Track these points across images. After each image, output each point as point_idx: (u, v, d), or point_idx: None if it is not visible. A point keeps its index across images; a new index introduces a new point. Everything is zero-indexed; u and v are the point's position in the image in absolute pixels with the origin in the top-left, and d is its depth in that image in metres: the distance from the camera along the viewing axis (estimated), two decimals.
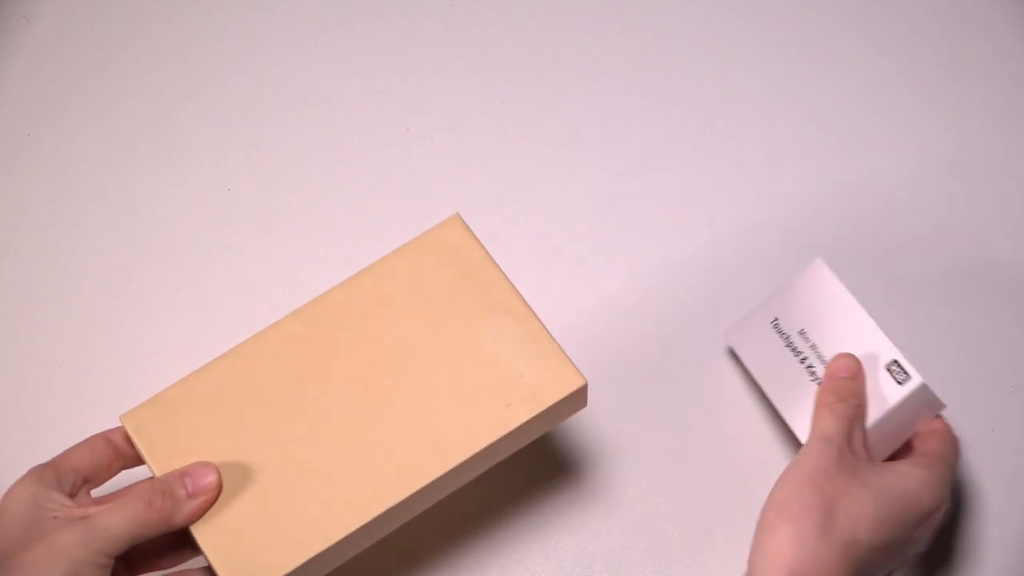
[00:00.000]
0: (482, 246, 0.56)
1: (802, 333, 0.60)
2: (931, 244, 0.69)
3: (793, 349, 0.60)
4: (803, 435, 0.57)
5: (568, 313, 0.66)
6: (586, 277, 0.68)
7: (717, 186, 0.71)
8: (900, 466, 0.53)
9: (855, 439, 0.53)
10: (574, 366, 0.53)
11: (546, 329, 0.54)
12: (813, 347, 0.60)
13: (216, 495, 0.49)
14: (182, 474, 0.49)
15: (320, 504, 0.50)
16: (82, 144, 0.71)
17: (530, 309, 0.55)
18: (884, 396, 0.57)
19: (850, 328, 0.59)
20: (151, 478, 0.50)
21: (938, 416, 0.57)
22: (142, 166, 0.71)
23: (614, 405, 0.65)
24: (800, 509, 0.48)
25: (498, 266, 0.56)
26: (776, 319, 0.62)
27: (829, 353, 0.59)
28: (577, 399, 0.54)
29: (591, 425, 0.64)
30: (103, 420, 0.64)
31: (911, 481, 0.51)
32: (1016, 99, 0.73)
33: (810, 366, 0.59)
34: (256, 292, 0.67)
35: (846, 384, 0.55)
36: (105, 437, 0.53)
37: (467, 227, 0.57)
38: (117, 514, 0.47)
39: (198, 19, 0.75)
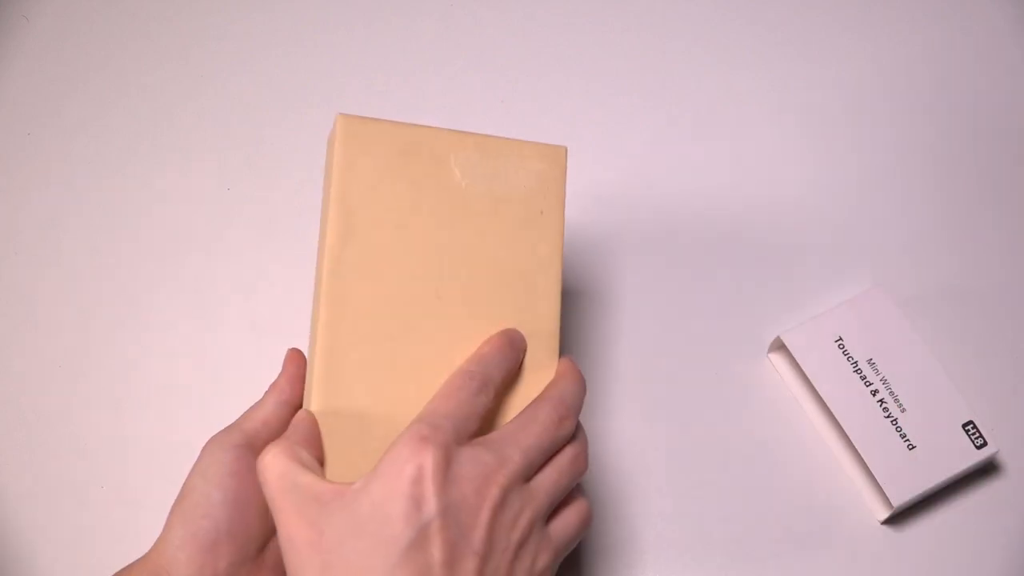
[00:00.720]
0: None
1: (871, 363, 0.62)
2: (931, 244, 0.69)
3: (863, 378, 0.62)
4: (869, 459, 0.60)
5: (568, 311, 0.66)
6: (584, 275, 0.68)
7: (717, 186, 0.71)
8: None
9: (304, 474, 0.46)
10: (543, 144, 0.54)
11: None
12: (884, 382, 0.62)
13: (297, 358, 0.55)
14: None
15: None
16: (82, 144, 0.71)
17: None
18: (957, 455, 0.60)
19: (923, 377, 0.62)
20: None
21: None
22: (142, 166, 0.71)
23: (614, 405, 0.65)
24: None
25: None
26: (840, 338, 0.63)
27: (902, 394, 0.61)
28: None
29: (590, 424, 0.64)
30: (103, 420, 0.64)
31: (368, 482, 0.43)
32: (1016, 99, 0.73)
33: (882, 400, 0.61)
34: (256, 292, 0.67)
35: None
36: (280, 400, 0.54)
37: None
38: (244, 414, 0.54)
39: (198, 19, 0.75)
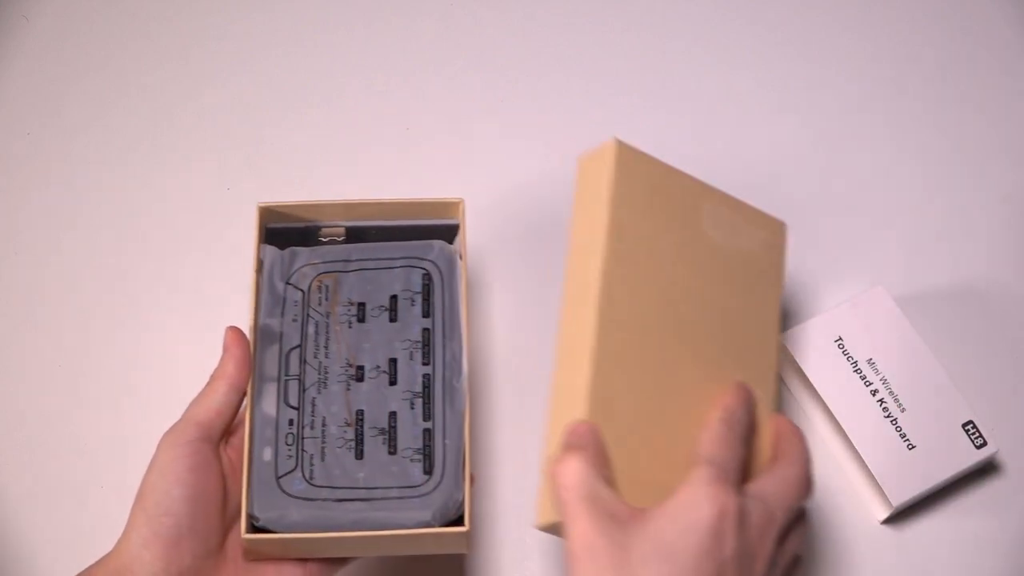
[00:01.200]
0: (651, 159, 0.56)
1: (871, 363, 0.62)
2: (930, 243, 0.69)
3: (863, 377, 0.62)
4: (869, 458, 0.60)
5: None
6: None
7: (717, 186, 0.71)
8: (666, 500, 0.46)
9: (603, 502, 0.45)
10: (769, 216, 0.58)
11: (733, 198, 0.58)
12: (884, 382, 0.62)
13: (241, 340, 0.54)
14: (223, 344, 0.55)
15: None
16: (82, 144, 0.71)
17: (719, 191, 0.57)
18: (957, 455, 0.60)
19: (923, 377, 0.62)
20: None
21: (777, 418, 0.53)
22: (142, 166, 0.71)
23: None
24: None
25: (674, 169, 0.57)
26: (840, 338, 0.62)
27: (902, 394, 0.61)
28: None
29: None
30: (103, 420, 0.64)
31: (673, 509, 0.45)
32: (1016, 99, 0.73)
33: (881, 400, 0.61)
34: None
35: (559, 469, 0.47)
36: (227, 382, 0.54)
37: (628, 149, 0.55)
38: (191, 404, 0.53)
39: (198, 19, 0.75)
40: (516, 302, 0.67)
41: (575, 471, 0.45)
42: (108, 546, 0.51)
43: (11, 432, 0.64)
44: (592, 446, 0.47)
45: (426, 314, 0.56)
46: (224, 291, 0.67)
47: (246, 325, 0.55)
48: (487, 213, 0.69)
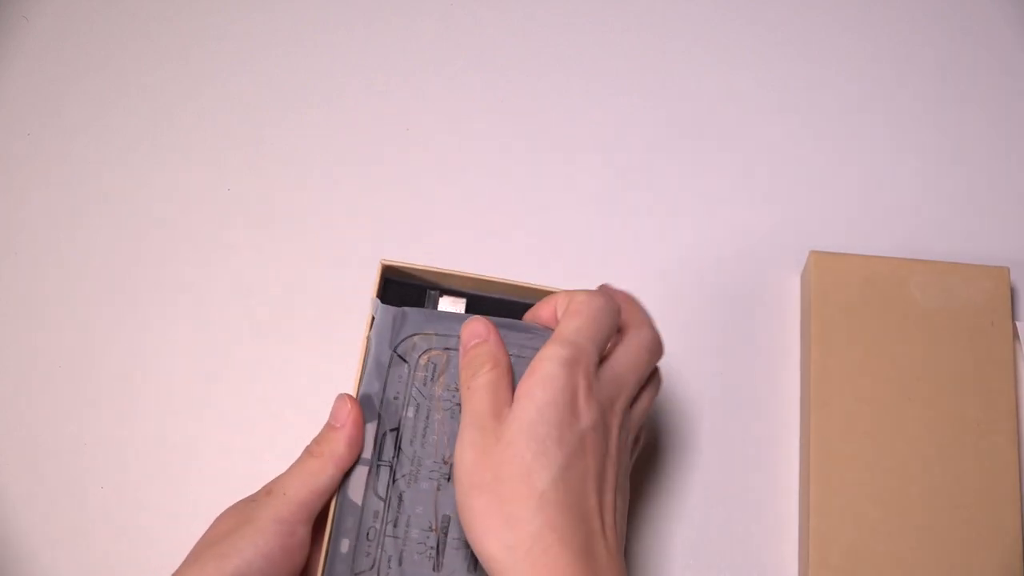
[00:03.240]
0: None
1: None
2: (929, 243, 0.69)
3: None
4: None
5: None
6: (585, 277, 0.68)
7: (717, 186, 0.71)
8: (520, 386, 0.46)
9: (499, 402, 0.46)
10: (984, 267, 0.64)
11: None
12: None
13: (359, 418, 0.50)
14: (331, 415, 0.51)
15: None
16: (82, 144, 0.71)
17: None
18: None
19: None
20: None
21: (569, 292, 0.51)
22: (142, 166, 0.71)
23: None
24: (483, 519, 0.44)
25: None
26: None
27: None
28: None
29: None
30: (103, 420, 0.64)
31: (531, 389, 0.46)
32: (1016, 99, 0.73)
33: None
34: (256, 292, 0.67)
35: (475, 352, 0.48)
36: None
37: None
38: (289, 478, 0.50)
39: (198, 19, 0.75)
40: None
41: (489, 370, 0.47)
42: (108, 546, 0.51)
43: (11, 432, 0.64)
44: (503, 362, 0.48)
45: None
46: (224, 291, 0.67)
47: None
48: (485, 214, 0.69)
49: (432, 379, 0.51)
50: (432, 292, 0.56)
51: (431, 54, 0.74)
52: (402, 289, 0.56)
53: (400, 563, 0.48)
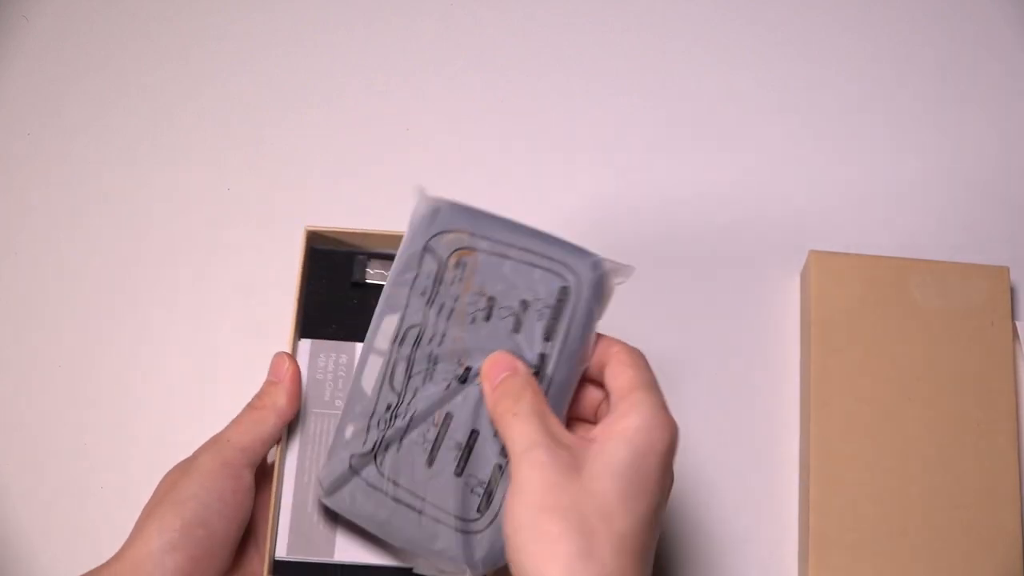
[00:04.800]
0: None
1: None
2: (929, 243, 0.69)
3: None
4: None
5: None
6: None
7: (716, 186, 0.71)
8: (612, 426, 0.46)
9: (553, 430, 0.47)
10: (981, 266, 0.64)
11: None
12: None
13: (297, 375, 0.53)
14: (270, 370, 0.54)
15: None
16: (82, 144, 0.71)
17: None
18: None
19: None
20: None
21: (611, 341, 0.51)
22: (142, 166, 0.71)
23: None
24: (552, 543, 0.43)
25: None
26: None
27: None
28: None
29: None
30: (103, 420, 0.64)
31: (632, 435, 0.46)
32: (1016, 99, 0.73)
33: None
34: (256, 292, 0.67)
35: (513, 382, 0.48)
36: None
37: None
38: (233, 426, 0.52)
39: (198, 19, 0.75)
40: None
41: (532, 397, 0.47)
42: (108, 546, 0.50)
43: (11, 432, 0.64)
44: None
45: (548, 337, 0.49)
46: (224, 291, 0.67)
47: (286, 343, 0.54)
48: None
49: (459, 279, 0.50)
50: (360, 256, 0.57)
51: (431, 54, 0.74)
52: (329, 257, 0.56)
53: (399, 450, 0.49)
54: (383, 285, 0.52)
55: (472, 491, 0.48)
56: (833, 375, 0.62)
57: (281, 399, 0.52)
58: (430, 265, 0.51)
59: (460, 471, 0.49)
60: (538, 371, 0.49)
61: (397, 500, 0.49)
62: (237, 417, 0.53)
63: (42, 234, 0.69)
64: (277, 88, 0.73)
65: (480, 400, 0.49)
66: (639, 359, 0.49)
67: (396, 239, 0.53)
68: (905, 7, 0.75)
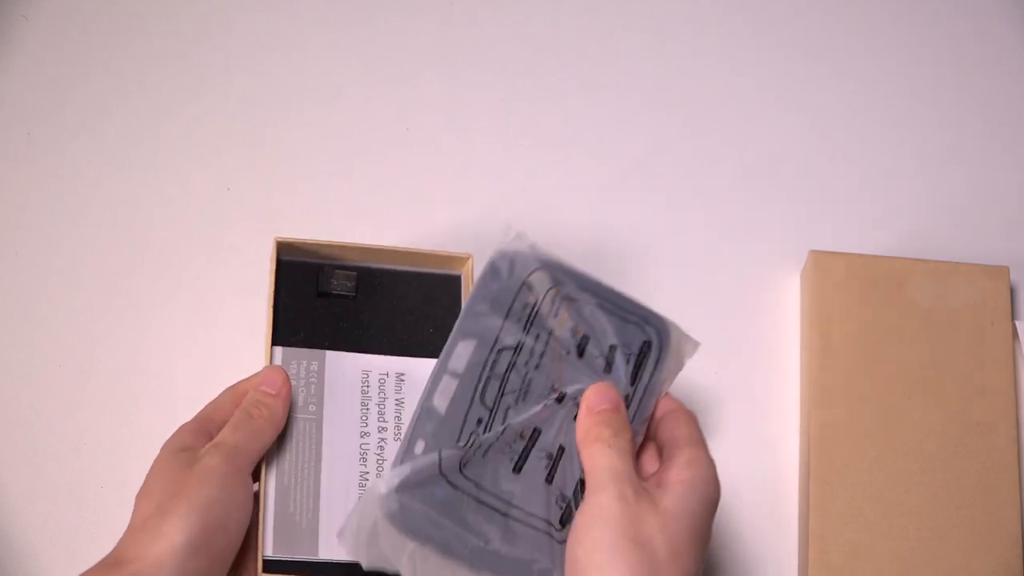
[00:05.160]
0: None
1: None
2: (929, 243, 0.69)
3: None
4: None
5: None
6: None
7: (716, 186, 0.71)
8: (678, 475, 0.50)
9: (635, 470, 0.50)
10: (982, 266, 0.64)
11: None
12: None
13: (290, 390, 0.54)
14: (259, 384, 0.54)
15: None
16: (82, 144, 0.71)
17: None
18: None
19: None
20: (240, 406, 0.54)
21: (670, 398, 0.55)
22: (142, 166, 0.71)
23: None
24: (626, 569, 0.46)
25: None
26: None
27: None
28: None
29: None
30: (103, 420, 0.64)
31: (700, 486, 0.50)
32: (1016, 99, 0.73)
33: None
34: (256, 292, 0.67)
35: (615, 416, 0.52)
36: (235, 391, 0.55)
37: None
38: (236, 433, 0.52)
39: (198, 19, 0.75)
40: None
41: (629, 435, 0.51)
42: (108, 546, 0.50)
43: (11, 432, 0.64)
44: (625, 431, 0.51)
45: (632, 382, 0.54)
46: (224, 290, 0.67)
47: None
48: (485, 214, 0.69)
49: (555, 315, 0.54)
50: (327, 267, 0.59)
51: (431, 54, 0.74)
52: (295, 268, 0.59)
53: (484, 454, 0.50)
54: (347, 296, 0.56)
55: (555, 503, 0.51)
56: (833, 375, 0.62)
57: (279, 413, 0.54)
58: (526, 297, 0.54)
59: (551, 479, 0.51)
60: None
61: (480, 501, 0.50)
62: (237, 423, 0.53)
63: (42, 234, 0.69)
64: (277, 88, 0.73)
65: (570, 422, 0.52)
66: (694, 418, 0.53)
67: (362, 251, 0.57)
68: (905, 7, 0.75)
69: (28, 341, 0.66)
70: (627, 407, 0.53)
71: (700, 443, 0.52)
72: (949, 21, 0.75)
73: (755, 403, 0.65)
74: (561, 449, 0.52)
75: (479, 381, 0.52)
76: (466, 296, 0.58)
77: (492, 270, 0.54)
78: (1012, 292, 0.65)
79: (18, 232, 0.69)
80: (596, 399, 0.52)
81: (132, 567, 0.47)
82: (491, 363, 0.52)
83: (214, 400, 0.56)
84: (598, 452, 0.50)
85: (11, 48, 0.73)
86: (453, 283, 0.61)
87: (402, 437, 0.52)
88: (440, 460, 0.50)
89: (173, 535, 0.48)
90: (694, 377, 0.66)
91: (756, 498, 0.63)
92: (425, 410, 0.51)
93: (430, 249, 0.61)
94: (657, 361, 0.54)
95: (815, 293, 0.64)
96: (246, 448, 0.52)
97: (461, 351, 0.53)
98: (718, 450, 0.64)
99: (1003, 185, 0.71)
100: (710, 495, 0.50)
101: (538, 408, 0.52)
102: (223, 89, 0.73)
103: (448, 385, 0.52)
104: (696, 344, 0.56)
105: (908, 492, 0.60)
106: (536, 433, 0.52)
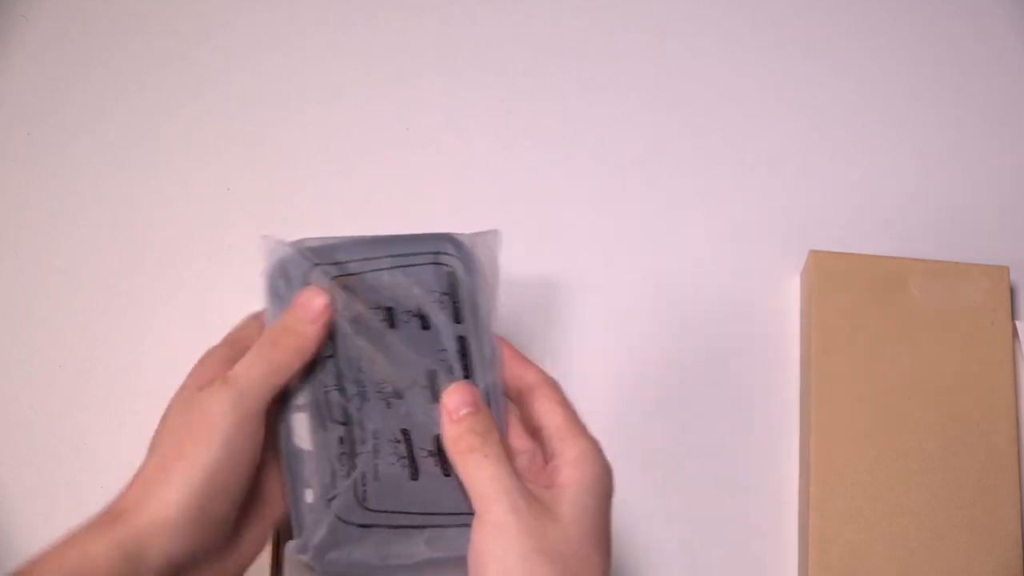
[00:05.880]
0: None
1: None
2: (929, 243, 0.69)
3: None
4: None
5: (565, 306, 0.66)
6: (586, 275, 0.68)
7: (716, 186, 0.71)
8: (569, 476, 0.46)
9: (517, 473, 0.46)
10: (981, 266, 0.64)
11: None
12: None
13: (329, 315, 0.48)
14: (295, 307, 0.49)
15: None
16: (82, 144, 0.71)
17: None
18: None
19: None
20: (267, 331, 0.49)
21: (524, 364, 0.50)
22: (142, 166, 0.71)
23: (613, 404, 0.65)
24: None
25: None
26: None
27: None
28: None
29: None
30: (103, 420, 0.64)
31: (591, 484, 0.46)
32: (1016, 99, 0.73)
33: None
34: (256, 292, 0.67)
35: (478, 418, 0.48)
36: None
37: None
38: (254, 366, 0.47)
39: (198, 19, 0.75)
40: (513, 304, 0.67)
41: (497, 437, 0.47)
42: None
43: (11, 432, 0.64)
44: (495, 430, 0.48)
45: (458, 319, 0.50)
46: (224, 290, 0.67)
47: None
48: (485, 213, 0.69)
49: (349, 304, 0.49)
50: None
51: (431, 54, 0.74)
52: None
53: (376, 478, 0.47)
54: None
55: (463, 492, 0.47)
56: (833, 375, 0.62)
57: (311, 345, 0.48)
58: None
59: (447, 472, 0.48)
60: (464, 352, 0.49)
61: (395, 527, 0.47)
62: (257, 354, 0.47)
63: (42, 234, 0.69)
64: (277, 88, 0.73)
65: (427, 404, 0.48)
66: (562, 394, 0.49)
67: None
68: (905, 7, 0.75)
69: (28, 341, 0.66)
70: (467, 346, 0.49)
71: (580, 431, 0.48)
72: (949, 21, 0.75)
73: (755, 403, 0.65)
74: (437, 439, 0.48)
75: (322, 402, 0.48)
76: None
77: (273, 291, 0.50)
78: (1012, 292, 0.65)
79: (18, 232, 0.69)
80: (454, 404, 0.47)
81: (131, 525, 0.45)
82: (320, 380, 0.48)
83: (243, 322, 0.51)
84: (473, 463, 0.46)
85: (11, 48, 0.73)
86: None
87: (288, 493, 0.48)
88: (337, 513, 0.47)
89: (172, 495, 0.45)
90: (693, 377, 0.66)
91: (756, 498, 0.63)
92: (290, 458, 0.48)
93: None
94: (471, 286, 0.50)
95: (815, 293, 0.64)
96: (260, 385, 0.46)
97: (293, 383, 0.48)
98: (719, 450, 0.64)
99: (1003, 185, 0.71)
100: (605, 487, 0.47)
101: (383, 407, 0.48)
102: (223, 89, 0.73)
103: (300, 420, 0.48)
104: (495, 232, 0.51)
105: (908, 492, 0.60)
106: (407, 434, 0.48)
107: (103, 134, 0.71)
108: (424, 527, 0.47)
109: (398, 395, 0.48)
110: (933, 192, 0.70)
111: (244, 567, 0.49)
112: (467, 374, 0.49)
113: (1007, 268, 0.64)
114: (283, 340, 0.48)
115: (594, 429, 0.49)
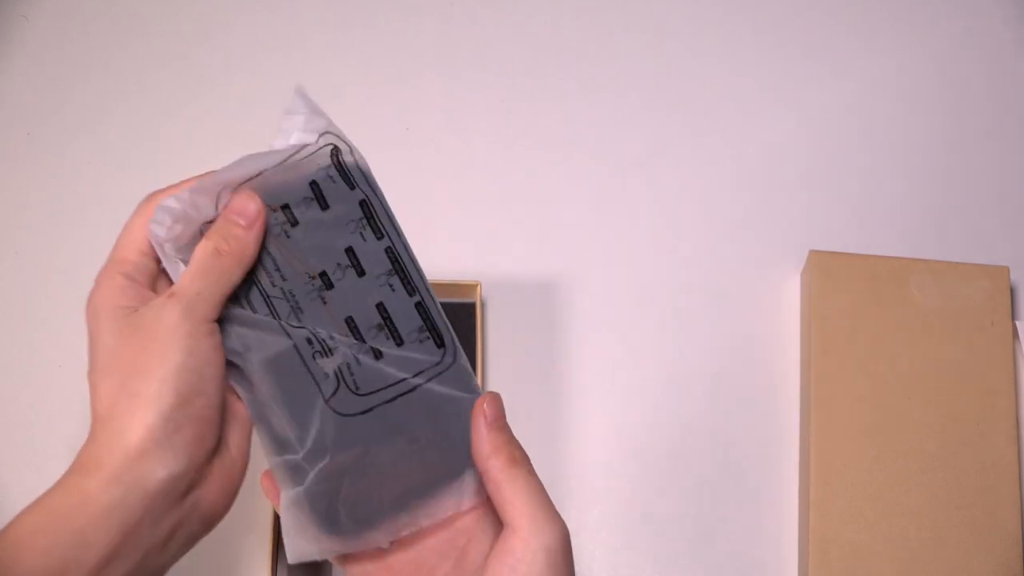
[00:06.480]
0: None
1: None
2: (929, 243, 0.69)
3: None
4: None
5: (565, 306, 0.66)
6: (586, 275, 0.68)
7: (716, 186, 0.71)
8: (511, 542, 0.43)
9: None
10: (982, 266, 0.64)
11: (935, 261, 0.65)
12: None
13: (263, 218, 0.47)
14: (229, 213, 0.48)
15: None
16: (82, 144, 0.71)
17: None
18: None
19: None
20: (205, 235, 0.47)
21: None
22: (142, 166, 0.71)
23: (613, 404, 0.65)
24: None
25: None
26: None
27: None
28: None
29: (591, 427, 0.64)
30: None
31: (555, 558, 0.42)
32: (1016, 99, 0.73)
33: None
34: None
35: (510, 431, 0.45)
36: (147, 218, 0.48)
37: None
38: (198, 277, 0.45)
39: (198, 19, 0.75)
40: (505, 302, 0.67)
41: (538, 483, 0.44)
42: None
43: (11, 432, 0.64)
44: None
45: (352, 186, 0.49)
46: None
47: None
48: (485, 213, 0.69)
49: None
50: None
51: (431, 54, 0.74)
52: None
53: (360, 364, 0.47)
54: None
55: (420, 342, 0.47)
56: (833, 375, 0.62)
57: (250, 249, 0.46)
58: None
59: (400, 340, 0.47)
60: (369, 215, 0.50)
61: (393, 399, 0.47)
62: (202, 266, 0.46)
63: (42, 234, 0.69)
64: (277, 88, 0.73)
65: (359, 285, 0.48)
66: (515, 448, 0.45)
67: None
68: (905, 7, 0.75)
69: (28, 341, 0.66)
70: (371, 203, 0.49)
71: (533, 497, 0.43)
72: (949, 21, 0.75)
73: (755, 403, 0.65)
74: (379, 306, 0.48)
75: (266, 333, 0.47)
76: (479, 324, 0.62)
77: (171, 244, 0.49)
78: (1012, 292, 0.65)
79: (18, 232, 0.69)
80: (493, 414, 0.45)
81: (110, 468, 0.43)
82: (248, 309, 0.47)
83: (124, 232, 0.49)
84: (521, 478, 0.43)
85: (11, 48, 0.73)
86: (465, 310, 0.62)
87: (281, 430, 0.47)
88: (336, 409, 0.46)
89: (147, 417, 0.42)
90: (694, 377, 0.66)
91: (756, 498, 0.63)
92: (265, 420, 0.47)
93: (438, 279, 0.57)
94: (367, 184, 0.50)
95: (815, 293, 0.64)
96: (209, 294, 0.45)
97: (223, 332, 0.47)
98: (718, 450, 0.64)
99: (1003, 185, 0.71)
100: (567, 553, 0.43)
101: (320, 305, 0.47)
102: (223, 89, 0.73)
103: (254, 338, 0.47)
104: (324, 122, 0.51)
105: (908, 492, 0.60)
106: (352, 321, 0.48)
107: (103, 134, 0.71)
108: (415, 387, 0.47)
109: (328, 286, 0.48)
110: (933, 192, 0.71)
111: (240, 475, 0.47)
112: (378, 232, 0.49)
113: (1007, 268, 0.64)
114: (223, 247, 0.46)
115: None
